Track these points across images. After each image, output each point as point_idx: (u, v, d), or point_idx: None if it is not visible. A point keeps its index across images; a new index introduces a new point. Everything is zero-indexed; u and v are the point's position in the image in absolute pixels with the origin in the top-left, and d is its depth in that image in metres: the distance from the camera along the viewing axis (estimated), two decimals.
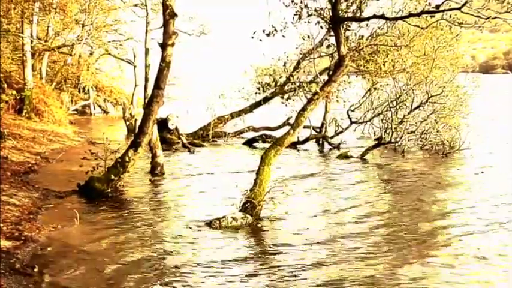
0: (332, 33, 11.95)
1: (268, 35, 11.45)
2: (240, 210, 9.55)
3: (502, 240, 8.84)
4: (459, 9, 9.32)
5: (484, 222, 9.80)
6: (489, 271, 7.46)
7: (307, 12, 11.28)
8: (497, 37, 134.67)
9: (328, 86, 10.67)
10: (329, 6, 10.81)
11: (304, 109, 10.39)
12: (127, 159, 11.32)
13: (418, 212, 10.59)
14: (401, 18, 10.86)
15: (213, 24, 18.79)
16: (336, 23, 10.42)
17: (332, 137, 19.29)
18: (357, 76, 17.32)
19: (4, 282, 6.25)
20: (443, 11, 9.67)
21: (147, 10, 15.52)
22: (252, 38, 11.55)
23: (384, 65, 13.55)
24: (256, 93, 20.15)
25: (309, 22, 11.77)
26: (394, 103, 17.62)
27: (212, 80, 48.60)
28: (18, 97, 20.18)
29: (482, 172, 14.65)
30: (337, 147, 18.71)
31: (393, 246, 8.40)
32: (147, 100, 12.69)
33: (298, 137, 17.27)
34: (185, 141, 18.61)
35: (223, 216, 9.21)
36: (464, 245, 8.61)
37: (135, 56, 23.62)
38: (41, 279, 6.57)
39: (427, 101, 16.59)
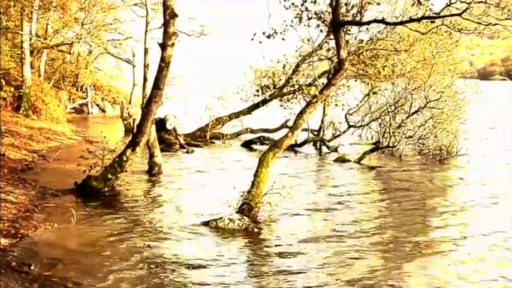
0: (332, 36, 11.98)
1: (268, 37, 11.50)
2: (237, 212, 9.54)
3: (497, 244, 8.90)
4: (460, 15, 9.37)
5: (478, 226, 9.95)
6: (483, 274, 7.52)
7: (308, 15, 11.33)
8: (495, 43, 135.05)
9: (328, 90, 10.68)
10: (329, 9, 10.85)
11: (303, 112, 10.41)
12: (125, 158, 11.30)
13: (413, 215, 10.65)
14: (402, 23, 10.91)
15: (212, 25, 18.85)
16: (336, 26, 10.43)
17: (330, 140, 19.30)
18: (356, 80, 17.35)
19: (0, 280, 6.22)
20: (443, 16, 9.71)
21: (146, 10, 15.51)
22: (252, 39, 11.59)
23: (383, 69, 13.59)
24: (255, 95, 20.18)
25: (308, 25, 11.82)
26: (393, 108, 17.65)
27: (211, 81, 48.57)
28: (16, 94, 20.15)
29: None
30: (335, 150, 18.73)
31: (389, 248, 8.43)
32: (145, 100, 12.67)
33: (296, 140, 17.28)
34: (182, 141, 18.60)
35: (220, 218, 9.20)
36: (457, 247, 8.72)
37: (134, 56, 23.62)
38: (37, 277, 6.54)
39: (425, 106, 16.60)
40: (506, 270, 7.71)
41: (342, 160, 16.88)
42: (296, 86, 17.66)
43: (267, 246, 8.56)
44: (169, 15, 11.46)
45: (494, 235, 9.37)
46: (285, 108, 18.27)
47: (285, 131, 14.85)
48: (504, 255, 8.40)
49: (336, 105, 17.83)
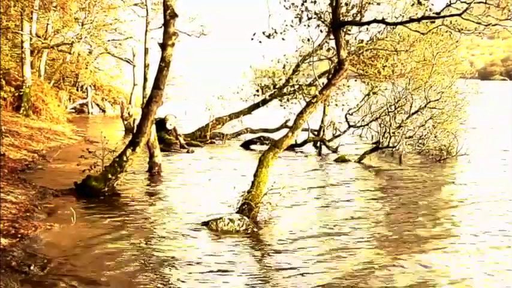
0: (332, 36, 11.97)
1: (268, 36, 11.49)
2: (237, 212, 9.54)
3: (492, 242, 8.97)
4: (460, 15, 9.37)
5: (474, 224, 10.08)
6: (477, 271, 7.59)
7: (308, 15, 11.32)
8: (495, 43, 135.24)
9: (328, 90, 10.68)
10: (329, 9, 10.84)
11: (303, 112, 10.40)
12: (125, 158, 11.29)
13: (411, 213, 10.70)
14: (402, 23, 10.90)
15: (212, 25, 18.86)
16: (336, 26, 10.43)
17: (330, 140, 19.29)
18: (356, 80, 17.34)
19: (0, 280, 6.22)
20: (444, 17, 9.71)
21: (147, 10, 15.52)
22: (252, 39, 11.58)
23: (383, 69, 13.58)
24: (255, 95, 20.18)
25: (309, 25, 11.81)
26: (393, 108, 17.64)
27: (211, 81, 48.60)
28: (16, 94, 20.16)
29: None
30: (335, 150, 18.73)
31: (388, 248, 8.42)
32: (145, 100, 12.68)
33: (296, 140, 17.29)
34: (183, 141, 18.60)
35: (220, 218, 9.19)
36: (453, 244, 8.83)
37: (134, 56, 23.65)
38: (37, 277, 6.54)
39: (425, 106, 16.60)
40: (500, 268, 7.76)
41: (342, 160, 16.89)
42: (296, 86, 17.67)
43: (267, 246, 8.56)
44: (169, 15, 11.47)
45: (490, 233, 9.43)
46: (284, 108, 18.26)
47: (285, 131, 14.84)
48: (499, 254, 8.45)
49: (336, 105, 17.85)
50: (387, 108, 17.79)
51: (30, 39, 21.05)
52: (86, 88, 28.71)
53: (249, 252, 8.20)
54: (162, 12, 11.77)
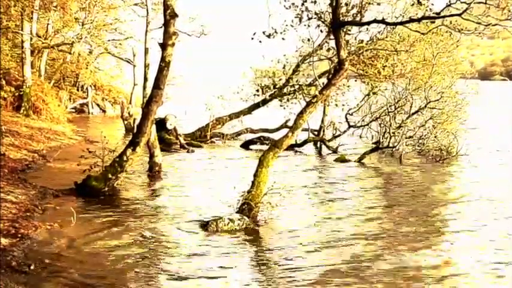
0: (332, 36, 11.98)
1: (268, 36, 11.50)
2: (237, 212, 9.55)
3: (492, 244, 8.96)
4: (460, 15, 9.38)
5: (472, 225, 10.07)
6: (481, 274, 7.57)
7: (308, 15, 11.33)
8: (495, 44, 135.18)
9: (328, 90, 10.69)
10: (329, 9, 10.85)
11: (303, 112, 10.41)
12: (125, 158, 11.30)
13: (411, 214, 10.68)
14: (402, 23, 10.91)
15: (212, 25, 18.87)
16: (336, 26, 10.43)
17: (330, 140, 19.30)
18: (356, 80, 17.34)
19: (0, 280, 6.23)
20: (443, 17, 9.72)
21: (147, 9, 15.53)
22: (252, 39, 11.59)
23: (383, 69, 13.58)
24: (255, 95, 20.18)
25: (309, 25, 11.83)
26: (393, 108, 17.63)
27: (211, 81, 48.59)
28: (16, 94, 20.16)
29: None
30: (335, 150, 18.72)
31: (387, 248, 8.43)
32: (145, 99, 12.68)
33: (296, 140, 17.28)
34: (183, 141, 18.61)
35: (220, 218, 9.20)
36: (452, 245, 8.85)
37: (134, 55, 23.67)
38: (37, 277, 6.54)
39: (425, 106, 16.59)
40: (498, 267, 7.78)
41: (342, 160, 16.89)
42: (296, 86, 17.67)
43: (267, 246, 8.58)
44: (169, 15, 11.47)
45: (489, 233, 9.48)
46: (285, 108, 18.26)
47: (285, 131, 14.84)
48: (496, 252, 8.47)
49: (336, 105, 17.86)
50: (387, 109, 17.79)
51: (31, 39, 21.06)
52: (86, 88, 28.70)
53: (248, 252, 8.21)
54: (162, 12, 11.78)
